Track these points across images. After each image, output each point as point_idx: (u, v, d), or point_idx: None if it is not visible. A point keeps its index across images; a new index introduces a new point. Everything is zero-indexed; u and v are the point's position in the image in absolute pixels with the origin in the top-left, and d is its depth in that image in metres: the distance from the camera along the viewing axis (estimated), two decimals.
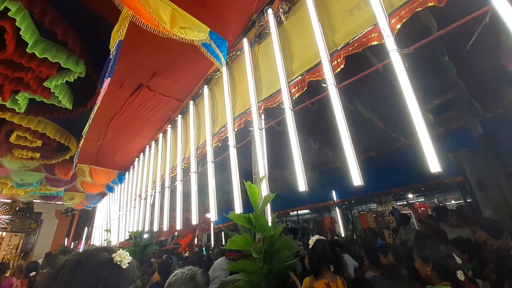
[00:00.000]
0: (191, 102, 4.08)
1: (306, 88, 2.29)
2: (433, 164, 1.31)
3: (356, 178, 1.62)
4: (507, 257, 2.12)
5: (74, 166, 4.42)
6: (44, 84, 2.75)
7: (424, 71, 3.18)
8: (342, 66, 1.99)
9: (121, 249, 0.92)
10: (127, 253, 0.90)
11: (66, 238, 11.57)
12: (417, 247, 1.81)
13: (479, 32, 2.66)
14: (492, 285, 2.17)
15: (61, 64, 2.57)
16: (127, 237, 5.19)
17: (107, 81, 2.64)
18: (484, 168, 4.04)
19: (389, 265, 2.43)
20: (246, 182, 1.83)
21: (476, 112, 4.53)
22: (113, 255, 0.86)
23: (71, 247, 11.16)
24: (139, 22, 2.10)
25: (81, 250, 0.85)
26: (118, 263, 0.84)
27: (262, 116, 2.70)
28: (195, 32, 2.52)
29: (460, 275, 1.55)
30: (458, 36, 2.84)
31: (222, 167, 3.40)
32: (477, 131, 4.57)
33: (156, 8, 2.17)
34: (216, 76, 3.67)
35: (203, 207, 4.34)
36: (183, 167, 3.94)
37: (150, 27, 2.18)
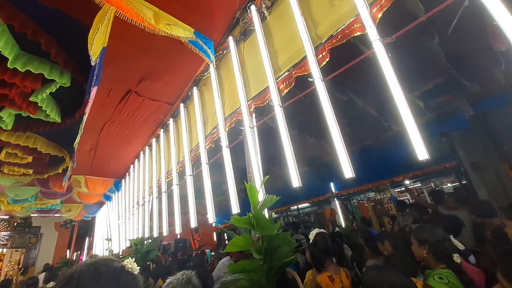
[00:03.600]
0: (182, 104, 4.04)
1: (294, 83, 2.27)
2: (421, 151, 1.32)
3: (348, 171, 1.62)
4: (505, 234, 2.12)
5: (66, 178, 4.36)
6: (30, 98, 2.70)
7: (413, 57, 3.17)
8: (327, 59, 1.98)
9: (127, 257, 0.94)
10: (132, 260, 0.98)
11: (68, 250, 11.49)
12: (414, 230, 1.85)
13: (463, 15, 2.66)
14: (484, 266, 2.13)
15: (45, 75, 2.51)
16: (128, 245, 5.17)
17: (94, 90, 2.59)
18: (477, 149, 4.10)
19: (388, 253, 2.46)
20: (247, 183, 1.83)
21: (466, 94, 4.56)
22: (124, 262, 0.92)
23: (74, 258, 11.08)
24: (123, 24, 2.05)
25: (87, 261, 0.89)
26: (130, 269, 0.90)
27: (253, 115, 2.69)
28: (180, 29, 2.48)
29: (457, 258, 1.58)
30: (443, 21, 2.84)
31: (219, 168, 3.37)
32: (468, 113, 4.61)
33: (139, 7, 2.13)
34: (205, 77, 3.63)
35: (203, 209, 4.33)
36: (178, 170, 3.91)
37: (135, 29, 2.13)
